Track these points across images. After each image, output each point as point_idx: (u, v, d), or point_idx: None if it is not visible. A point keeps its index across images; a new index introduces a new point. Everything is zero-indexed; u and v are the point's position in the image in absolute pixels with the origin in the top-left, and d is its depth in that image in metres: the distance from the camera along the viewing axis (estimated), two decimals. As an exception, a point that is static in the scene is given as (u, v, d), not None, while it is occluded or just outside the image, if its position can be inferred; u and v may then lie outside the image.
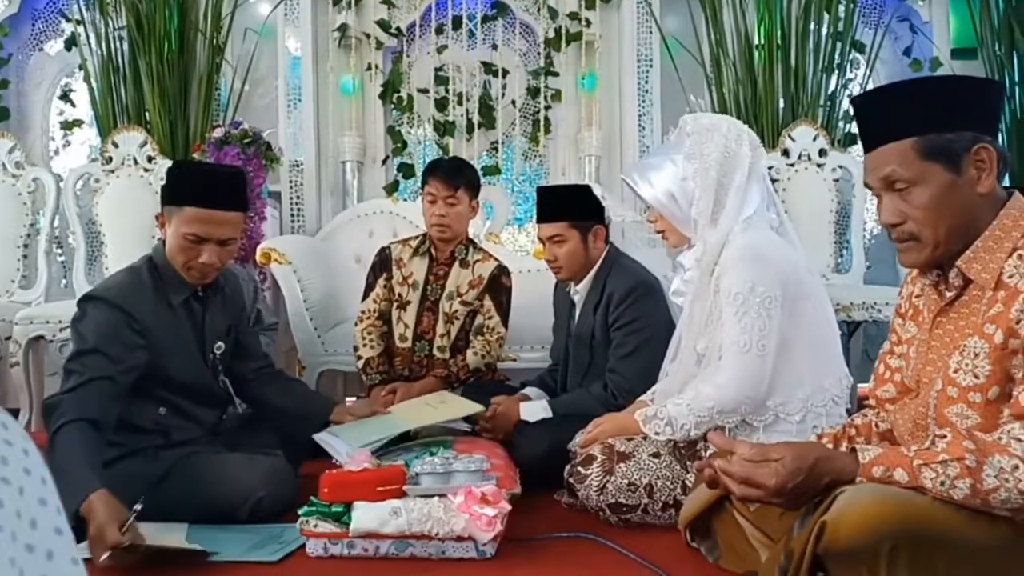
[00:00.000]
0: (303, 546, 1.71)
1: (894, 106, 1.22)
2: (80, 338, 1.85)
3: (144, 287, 1.95)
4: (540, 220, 2.38)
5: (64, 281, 3.75)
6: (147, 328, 1.90)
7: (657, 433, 1.84)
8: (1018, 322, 1.13)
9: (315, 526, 1.68)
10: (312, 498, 1.73)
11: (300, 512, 1.72)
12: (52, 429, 1.72)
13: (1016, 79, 3.65)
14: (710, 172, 1.83)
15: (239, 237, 2.02)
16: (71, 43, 3.80)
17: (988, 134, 1.19)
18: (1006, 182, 3.76)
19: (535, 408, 2.30)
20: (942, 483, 1.09)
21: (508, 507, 1.69)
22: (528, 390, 2.51)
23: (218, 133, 3.33)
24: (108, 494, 1.61)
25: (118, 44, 3.66)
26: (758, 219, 1.86)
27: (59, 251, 3.82)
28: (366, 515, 1.66)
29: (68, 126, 3.99)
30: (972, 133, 1.18)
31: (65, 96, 3.99)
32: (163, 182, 2.12)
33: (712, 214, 1.85)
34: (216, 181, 1.96)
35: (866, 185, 1.29)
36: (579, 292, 2.42)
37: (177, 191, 1.95)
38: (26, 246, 3.50)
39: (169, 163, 3.45)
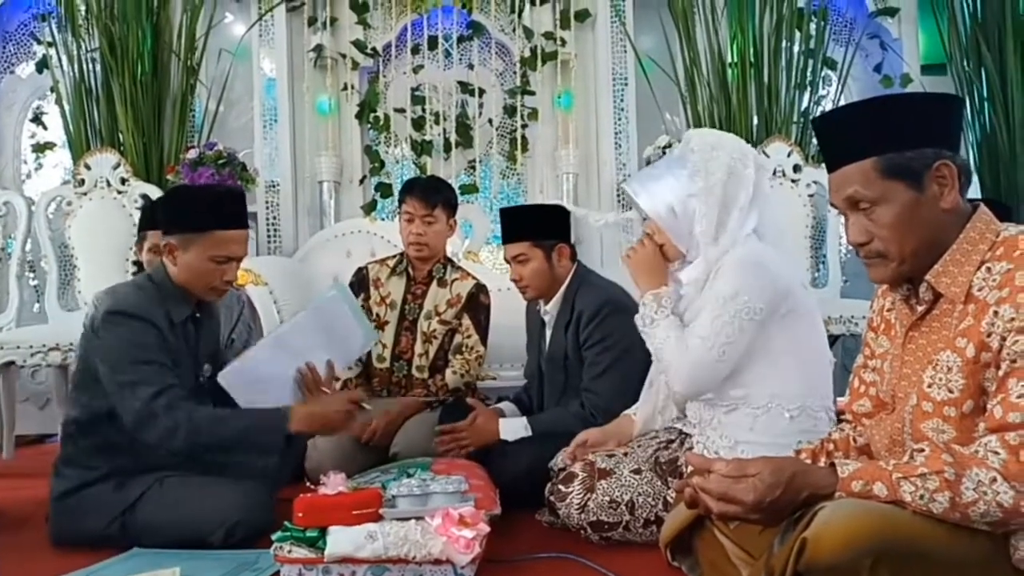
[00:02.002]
0: (277, 572, 1.67)
1: (854, 126, 1.23)
2: (122, 350, 1.88)
3: (154, 302, 1.98)
4: (504, 240, 2.41)
5: (36, 306, 3.68)
6: (165, 338, 1.94)
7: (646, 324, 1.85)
8: (989, 335, 1.14)
9: (289, 552, 1.65)
10: (286, 523, 1.70)
11: (274, 537, 1.69)
12: (184, 423, 1.85)
13: (985, 94, 3.71)
14: (715, 191, 1.80)
15: None
16: (43, 65, 3.77)
17: (949, 149, 1.20)
18: (977, 194, 3.77)
19: (514, 426, 2.29)
20: (921, 496, 1.09)
21: (487, 528, 1.67)
22: (503, 405, 2.50)
23: (192, 154, 3.31)
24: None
25: (90, 66, 3.63)
26: (753, 237, 1.85)
27: (31, 275, 3.76)
28: (341, 539, 1.63)
29: (40, 149, 3.95)
30: (932, 149, 1.19)
31: (37, 119, 3.95)
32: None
33: (715, 232, 1.82)
34: (231, 202, 2.03)
35: (831, 204, 1.30)
36: (549, 312, 2.41)
37: (197, 217, 1.97)
38: (-3, 270, 3.45)
39: (143, 185, 3.43)
